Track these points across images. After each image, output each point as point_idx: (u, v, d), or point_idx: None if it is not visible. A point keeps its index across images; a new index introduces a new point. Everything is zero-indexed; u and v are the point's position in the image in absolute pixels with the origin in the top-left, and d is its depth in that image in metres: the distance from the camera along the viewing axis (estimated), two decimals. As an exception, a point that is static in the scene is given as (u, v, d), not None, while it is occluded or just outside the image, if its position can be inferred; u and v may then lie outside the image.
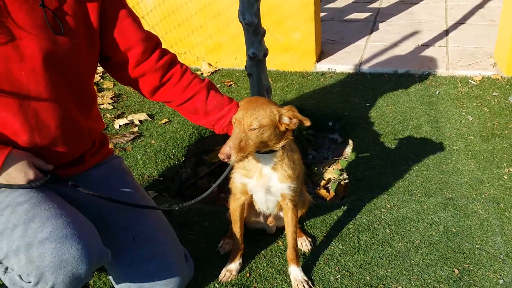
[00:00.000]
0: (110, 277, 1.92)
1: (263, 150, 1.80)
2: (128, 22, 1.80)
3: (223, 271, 2.08)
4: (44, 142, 1.68)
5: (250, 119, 1.69)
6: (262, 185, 1.90)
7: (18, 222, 1.54)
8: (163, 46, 1.93)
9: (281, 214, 2.07)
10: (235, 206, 2.02)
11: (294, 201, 1.97)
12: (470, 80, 3.77)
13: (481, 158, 2.84)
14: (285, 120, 1.75)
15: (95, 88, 3.34)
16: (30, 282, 1.53)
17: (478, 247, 2.19)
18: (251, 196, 1.98)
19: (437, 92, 3.62)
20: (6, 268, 1.65)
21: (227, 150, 1.67)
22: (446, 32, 4.69)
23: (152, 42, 1.87)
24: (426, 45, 4.43)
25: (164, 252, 1.87)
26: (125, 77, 1.89)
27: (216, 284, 2.04)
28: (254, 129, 1.70)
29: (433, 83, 3.77)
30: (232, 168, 1.99)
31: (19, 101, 1.60)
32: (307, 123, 1.75)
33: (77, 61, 1.71)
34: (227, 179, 2.02)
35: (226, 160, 1.68)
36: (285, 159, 1.87)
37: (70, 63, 1.68)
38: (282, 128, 1.76)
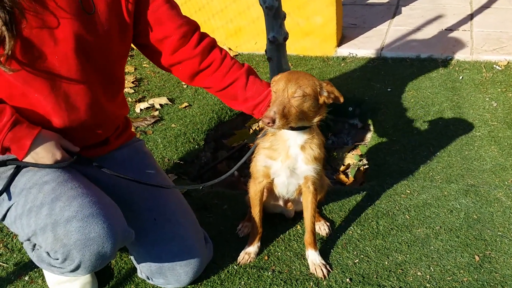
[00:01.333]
0: (132, 257, 1.96)
1: (299, 124, 1.81)
2: (164, 10, 1.80)
3: (242, 254, 2.10)
4: (73, 125, 1.72)
5: (294, 87, 1.72)
6: (287, 167, 1.90)
7: (45, 200, 1.58)
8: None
9: (300, 198, 2.08)
10: (256, 190, 2.02)
11: (315, 184, 1.97)
12: (494, 65, 3.69)
13: (504, 144, 2.79)
14: (324, 93, 1.80)
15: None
16: (57, 259, 1.58)
17: (500, 234, 2.17)
18: (273, 180, 1.99)
19: (461, 77, 3.56)
20: (34, 245, 1.70)
21: (272, 114, 1.68)
22: (471, 16, 4.58)
23: (190, 27, 1.86)
24: (450, 29, 4.34)
25: (184, 234, 1.90)
26: (163, 63, 1.91)
27: (235, 266, 2.07)
28: (298, 96, 1.72)
29: (457, 68, 3.70)
30: (255, 150, 1.99)
31: (51, 84, 1.63)
32: (341, 99, 1.83)
33: (108, 48, 1.73)
34: (246, 164, 2.02)
35: (269, 124, 1.68)
36: (315, 139, 1.88)
37: (100, 49, 1.70)
38: (321, 100, 1.80)
